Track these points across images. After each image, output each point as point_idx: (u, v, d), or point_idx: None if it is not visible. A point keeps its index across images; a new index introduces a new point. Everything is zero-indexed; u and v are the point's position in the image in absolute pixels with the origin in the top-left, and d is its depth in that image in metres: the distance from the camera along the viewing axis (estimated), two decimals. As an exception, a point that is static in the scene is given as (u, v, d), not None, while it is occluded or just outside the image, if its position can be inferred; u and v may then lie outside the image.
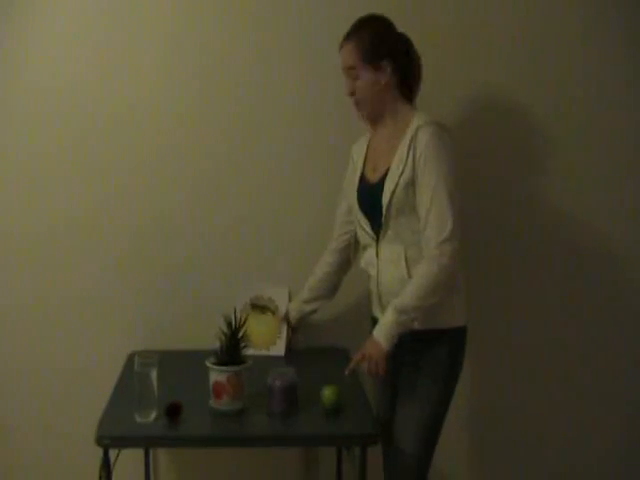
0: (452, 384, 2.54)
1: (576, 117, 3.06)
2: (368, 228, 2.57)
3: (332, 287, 2.86)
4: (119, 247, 3.04)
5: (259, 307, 3.04)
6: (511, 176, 3.09)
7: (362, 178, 2.61)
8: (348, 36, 2.51)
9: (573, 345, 3.18)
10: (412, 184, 2.43)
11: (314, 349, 3.05)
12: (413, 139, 2.43)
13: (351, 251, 2.80)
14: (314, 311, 2.91)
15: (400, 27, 2.54)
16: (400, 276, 2.48)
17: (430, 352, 2.49)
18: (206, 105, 3.00)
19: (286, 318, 2.92)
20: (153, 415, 2.39)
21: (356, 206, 2.61)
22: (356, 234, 2.72)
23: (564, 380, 3.19)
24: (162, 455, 3.16)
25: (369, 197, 2.54)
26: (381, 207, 2.48)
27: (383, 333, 2.41)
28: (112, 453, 2.39)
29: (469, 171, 2.95)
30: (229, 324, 2.46)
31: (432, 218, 2.39)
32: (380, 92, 2.50)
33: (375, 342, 2.42)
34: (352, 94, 2.52)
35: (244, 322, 2.49)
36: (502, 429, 3.21)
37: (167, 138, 3.02)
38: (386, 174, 2.48)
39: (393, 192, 2.44)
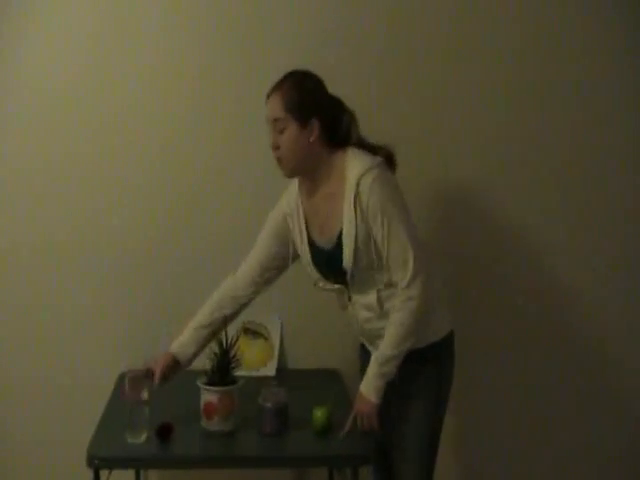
0: (444, 395, 2.55)
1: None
2: (331, 285, 2.52)
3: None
4: (111, 266, 3.05)
5: (251, 331, 3.06)
6: (499, 196, 3.14)
7: (310, 242, 2.51)
8: (276, 87, 2.39)
9: (563, 361, 3.22)
10: (369, 238, 2.37)
11: (305, 370, 3.06)
12: (357, 195, 2.34)
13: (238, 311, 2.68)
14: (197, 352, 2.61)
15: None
16: (376, 315, 2.48)
17: (417, 368, 2.48)
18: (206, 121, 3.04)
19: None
20: (144, 436, 2.39)
21: (313, 271, 2.53)
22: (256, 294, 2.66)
23: (556, 392, 3.23)
24: (153, 475, 3.14)
25: (327, 262, 2.48)
26: (342, 270, 2.43)
27: (370, 387, 2.41)
28: (103, 474, 2.38)
29: (457, 182, 3.04)
30: (220, 344, 2.46)
31: (393, 262, 2.37)
32: (306, 148, 2.38)
33: (364, 398, 2.42)
34: (276, 148, 2.39)
35: (235, 342, 2.50)
36: (493, 448, 3.24)
37: (164, 153, 3.04)
38: (339, 237, 2.41)
39: (354, 256, 2.39)
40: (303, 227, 2.52)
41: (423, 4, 3.01)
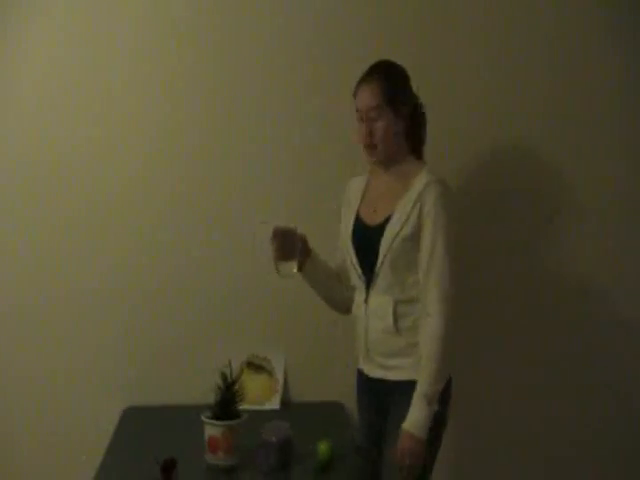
0: (440, 432, 2.50)
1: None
2: (360, 271, 2.55)
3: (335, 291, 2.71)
4: (118, 303, 3.04)
5: (254, 365, 3.06)
6: (510, 227, 3.15)
7: (358, 218, 2.58)
8: (371, 76, 2.47)
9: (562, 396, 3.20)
10: (412, 239, 2.43)
11: (308, 404, 3.06)
12: (421, 195, 2.42)
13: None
14: (316, 269, 2.64)
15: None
16: (387, 328, 2.48)
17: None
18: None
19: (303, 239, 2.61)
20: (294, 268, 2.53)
21: (349, 246, 2.57)
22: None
23: (555, 434, 3.20)
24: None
25: (365, 240, 2.52)
26: (376, 253, 2.47)
27: (419, 425, 2.36)
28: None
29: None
30: (224, 378, 2.47)
31: (431, 280, 2.40)
32: (397, 136, 2.48)
33: (412, 436, 2.36)
34: (368, 136, 2.46)
35: (239, 376, 2.50)
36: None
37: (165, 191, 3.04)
38: (387, 221, 2.46)
39: (392, 242, 2.44)
40: (359, 200, 2.60)
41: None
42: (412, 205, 2.43)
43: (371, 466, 2.57)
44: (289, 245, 2.52)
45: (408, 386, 2.42)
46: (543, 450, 3.21)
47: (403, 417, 2.42)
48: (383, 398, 2.55)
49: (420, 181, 2.45)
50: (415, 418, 2.37)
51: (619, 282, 3.17)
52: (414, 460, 2.37)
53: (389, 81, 2.47)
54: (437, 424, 2.45)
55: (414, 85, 2.53)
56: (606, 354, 3.19)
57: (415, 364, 2.43)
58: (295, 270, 2.54)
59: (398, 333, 2.47)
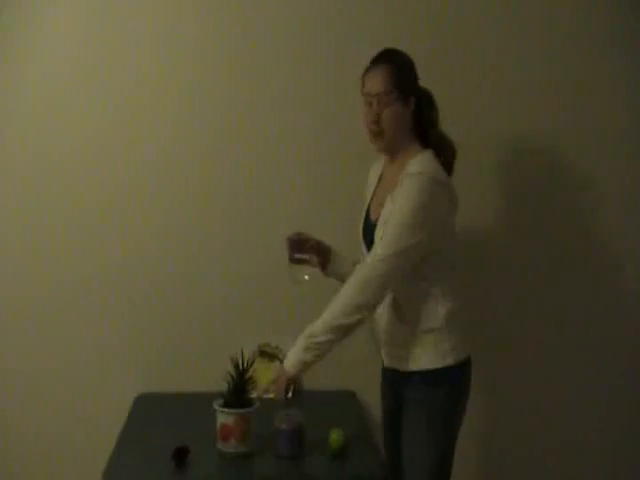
0: (455, 423, 2.48)
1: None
2: None
3: None
4: (130, 290, 3.05)
5: (267, 354, 3.06)
6: (526, 209, 3.15)
7: (367, 211, 2.58)
8: (382, 61, 2.45)
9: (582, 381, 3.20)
10: None
11: (321, 392, 3.05)
12: (400, 187, 2.38)
13: None
14: (340, 267, 2.68)
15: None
16: (391, 319, 2.47)
17: (428, 393, 2.44)
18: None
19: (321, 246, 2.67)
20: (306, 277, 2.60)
21: (360, 237, 2.59)
22: None
23: (573, 417, 3.21)
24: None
25: (368, 234, 2.52)
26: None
27: (289, 358, 2.40)
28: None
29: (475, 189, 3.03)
30: (236, 366, 2.47)
31: (382, 240, 2.35)
32: (404, 124, 2.45)
33: (282, 366, 2.42)
34: (375, 122, 2.43)
35: (251, 364, 2.50)
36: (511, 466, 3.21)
37: (173, 176, 3.05)
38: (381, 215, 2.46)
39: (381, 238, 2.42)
40: (370, 194, 2.60)
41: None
42: (393, 196, 2.40)
43: (392, 461, 2.58)
44: (301, 250, 2.61)
45: (418, 378, 2.44)
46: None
47: (418, 406, 2.43)
48: (397, 389, 2.54)
49: (406, 171, 2.40)
50: (292, 349, 2.40)
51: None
52: (275, 389, 2.41)
53: (398, 67, 2.44)
54: (452, 409, 2.46)
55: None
56: (624, 338, 3.19)
57: (423, 355, 2.43)
58: (306, 277, 2.60)
59: (401, 323, 2.46)
